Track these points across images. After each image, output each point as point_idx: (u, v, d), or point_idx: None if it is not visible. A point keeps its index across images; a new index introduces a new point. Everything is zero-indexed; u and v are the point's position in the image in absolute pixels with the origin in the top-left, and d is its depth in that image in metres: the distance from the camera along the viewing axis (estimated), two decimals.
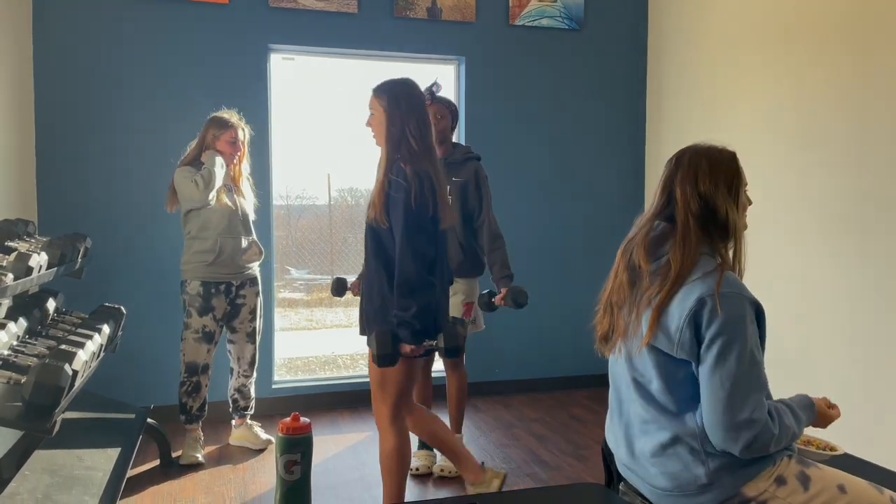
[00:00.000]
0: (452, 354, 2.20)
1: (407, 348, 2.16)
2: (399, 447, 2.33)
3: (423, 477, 3.12)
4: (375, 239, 2.24)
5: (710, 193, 1.57)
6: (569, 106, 4.51)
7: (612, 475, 1.84)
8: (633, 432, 1.62)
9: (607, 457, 1.86)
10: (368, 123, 2.33)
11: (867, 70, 3.01)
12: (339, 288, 3.06)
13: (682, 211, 1.57)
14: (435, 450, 3.22)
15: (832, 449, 1.73)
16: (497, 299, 3.05)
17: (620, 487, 1.80)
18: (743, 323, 1.44)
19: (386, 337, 2.12)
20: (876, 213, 2.97)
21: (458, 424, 3.24)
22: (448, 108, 3.10)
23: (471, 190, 3.08)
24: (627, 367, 1.62)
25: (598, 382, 4.58)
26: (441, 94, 3.02)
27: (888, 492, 1.53)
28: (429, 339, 2.19)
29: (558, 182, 4.51)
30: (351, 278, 3.11)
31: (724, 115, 3.90)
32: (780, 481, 1.49)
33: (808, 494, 1.48)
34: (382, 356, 2.11)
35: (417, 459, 3.18)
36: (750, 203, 1.67)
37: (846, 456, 1.75)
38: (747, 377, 1.42)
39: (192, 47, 3.81)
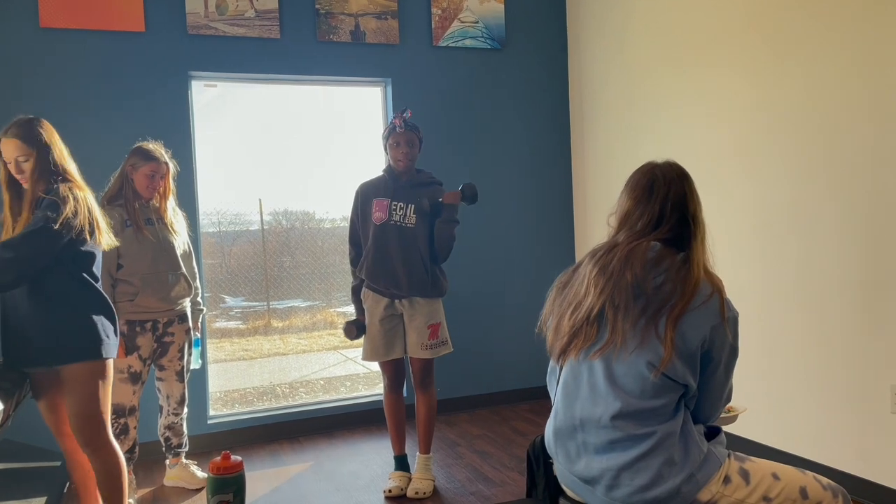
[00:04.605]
0: None
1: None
2: (123, 460, 2.42)
3: (397, 499, 3.10)
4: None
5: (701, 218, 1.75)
6: (495, 123, 4.58)
7: (536, 483, 1.85)
8: (594, 445, 1.62)
9: (534, 461, 1.86)
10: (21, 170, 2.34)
11: (778, 79, 3.18)
12: (361, 329, 3.21)
13: (699, 236, 1.70)
14: (411, 472, 3.24)
15: (733, 409, 1.93)
16: (448, 196, 3.06)
17: (561, 501, 1.82)
18: (737, 337, 1.65)
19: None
20: (794, 218, 3.13)
21: (426, 445, 3.23)
22: (418, 135, 3.16)
23: (433, 214, 3.13)
24: (606, 380, 1.61)
25: (539, 394, 4.63)
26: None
27: (809, 472, 1.68)
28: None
29: (489, 199, 4.56)
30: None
31: (645, 128, 4.03)
32: (727, 480, 1.58)
33: (750, 487, 1.59)
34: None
35: (392, 480, 3.16)
36: None
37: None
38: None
39: (109, 77, 3.70)
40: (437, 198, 3.12)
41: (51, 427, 2.48)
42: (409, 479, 3.19)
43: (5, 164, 2.33)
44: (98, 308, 2.35)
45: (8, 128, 2.32)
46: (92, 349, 2.30)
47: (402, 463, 3.25)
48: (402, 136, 3.10)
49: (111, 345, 2.37)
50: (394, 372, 3.20)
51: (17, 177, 2.33)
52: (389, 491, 3.11)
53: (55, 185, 2.30)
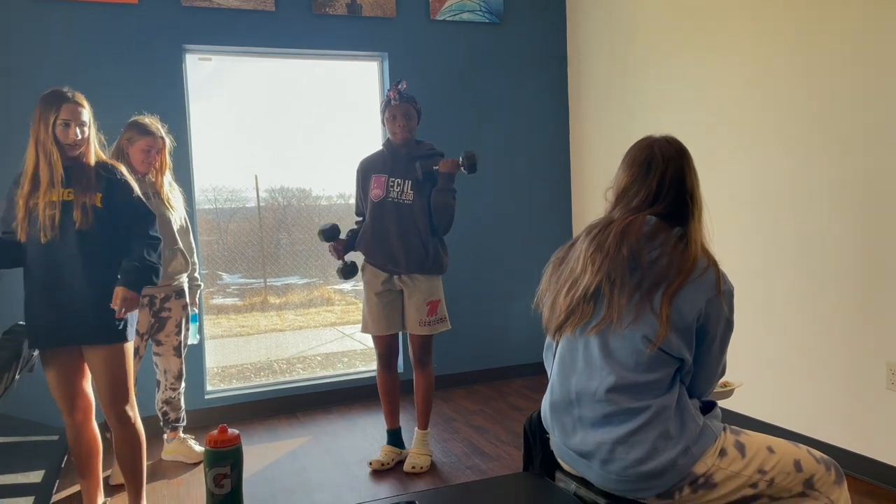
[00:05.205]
0: None
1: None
2: (143, 433, 2.57)
3: (389, 472, 3.14)
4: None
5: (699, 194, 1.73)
6: (493, 97, 4.54)
7: (533, 457, 1.86)
8: (589, 419, 1.62)
9: (531, 437, 1.87)
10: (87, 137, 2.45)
11: (768, 54, 3.15)
12: (333, 233, 3.16)
13: (696, 213, 1.68)
14: (405, 447, 3.27)
15: (728, 384, 1.94)
16: (444, 164, 3.04)
17: (557, 475, 1.83)
18: (733, 311, 1.65)
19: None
20: (791, 196, 3.12)
21: (423, 421, 3.25)
22: (415, 106, 3.13)
23: (427, 182, 3.10)
24: (601, 354, 1.60)
25: (536, 370, 4.65)
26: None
27: (803, 446, 1.70)
28: None
29: (486, 173, 4.54)
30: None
31: (643, 103, 4.00)
32: (723, 453, 1.59)
33: (745, 460, 1.60)
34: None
35: (384, 455, 3.19)
36: None
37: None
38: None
39: (102, 50, 3.65)
40: (431, 166, 3.09)
41: (60, 400, 2.45)
42: (398, 454, 3.21)
43: (54, 127, 2.36)
44: None
45: (72, 93, 2.42)
46: (122, 333, 2.43)
47: (394, 437, 3.26)
48: (398, 108, 3.07)
49: (133, 326, 2.51)
50: (385, 349, 3.21)
51: (70, 140, 2.37)
52: (382, 465, 3.14)
53: (104, 162, 2.47)
